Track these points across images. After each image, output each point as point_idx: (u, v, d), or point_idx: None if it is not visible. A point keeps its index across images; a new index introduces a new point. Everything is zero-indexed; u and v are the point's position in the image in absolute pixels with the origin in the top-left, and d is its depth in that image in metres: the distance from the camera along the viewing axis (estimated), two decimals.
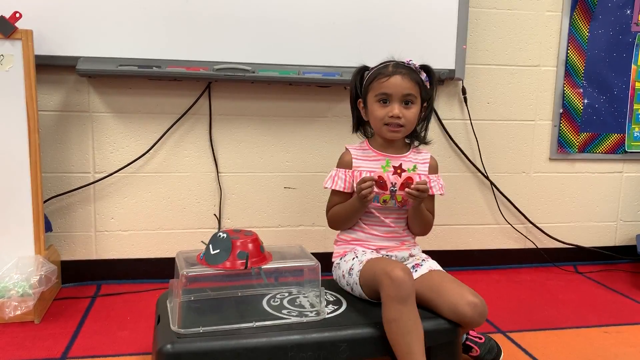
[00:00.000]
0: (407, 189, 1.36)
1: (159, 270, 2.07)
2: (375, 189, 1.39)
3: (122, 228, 2.06)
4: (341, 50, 2.00)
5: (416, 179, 1.39)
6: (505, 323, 1.77)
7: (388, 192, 1.39)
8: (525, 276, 2.27)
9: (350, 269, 1.42)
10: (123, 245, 2.07)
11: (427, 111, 1.51)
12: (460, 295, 1.29)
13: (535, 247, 2.37)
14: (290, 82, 2.02)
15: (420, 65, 1.47)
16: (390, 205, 1.43)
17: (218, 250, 1.30)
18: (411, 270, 1.41)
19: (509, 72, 2.25)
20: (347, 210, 1.47)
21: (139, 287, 2.02)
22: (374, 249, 1.47)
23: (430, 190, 1.47)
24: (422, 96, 1.46)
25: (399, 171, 1.38)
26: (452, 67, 2.11)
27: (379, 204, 1.44)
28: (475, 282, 2.15)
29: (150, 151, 2.03)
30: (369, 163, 1.49)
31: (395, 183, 1.38)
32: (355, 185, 1.44)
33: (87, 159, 2.01)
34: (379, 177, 1.38)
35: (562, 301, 2.00)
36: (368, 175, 1.43)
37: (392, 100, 1.42)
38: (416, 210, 1.44)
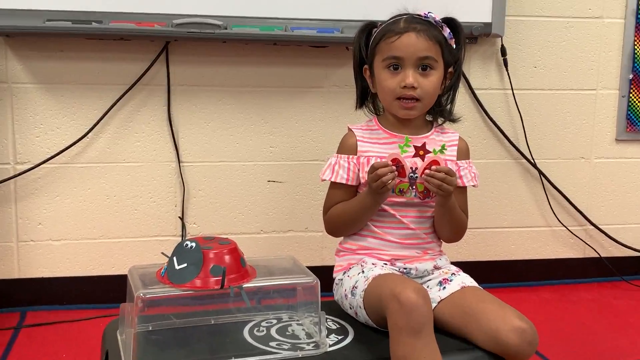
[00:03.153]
0: (426, 173, 1.37)
1: (105, 292, 2.08)
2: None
3: (54, 237, 2.07)
4: None
5: (445, 164, 1.40)
6: (559, 355, 1.79)
7: (406, 179, 1.39)
8: (585, 294, 2.29)
9: (354, 287, 1.43)
10: (55, 259, 2.08)
11: (454, 78, 1.51)
12: (503, 318, 1.30)
13: (597, 256, 2.40)
14: (274, 42, 2.03)
15: (443, 19, 1.48)
16: (409, 197, 1.44)
17: (185, 265, 1.30)
18: (438, 287, 1.43)
19: (563, 25, 2.27)
20: (354, 209, 1.48)
21: (78, 314, 2.02)
22: (388, 260, 1.48)
23: (459, 181, 1.49)
24: (446, 59, 1.46)
25: (421, 152, 1.39)
26: (488, 19, 2.12)
27: (393, 196, 1.44)
28: (520, 303, 2.17)
29: (90, 134, 2.03)
30: (379, 147, 1.49)
31: (416, 168, 1.39)
32: (363, 174, 1.45)
33: (4, 145, 2.01)
34: (394, 159, 1.38)
35: (634, 326, 2.03)
36: (379, 161, 1.44)
37: (405, 66, 1.43)
38: (445, 206, 1.45)
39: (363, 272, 1.44)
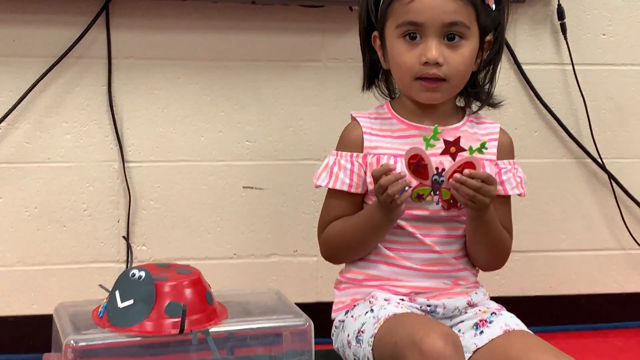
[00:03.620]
0: (456, 178, 1.36)
1: (23, 338, 2.08)
2: (409, 179, 1.39)
3: None
4: None
5: (482, 167, 1.41)
6: None
7: (428, 181, 1.40)
8: None
9: (360, 331, 1.44)
10: None
11: (493, 50, 1.53)
12: None
13: None
14: None
15: None
16: (429, 203, 1.44)
17: (131, 302, 1.31)
18: (473, 331, 1.44)
19: None
20: (358, 227, 1.48)
21: None
22: (406, 295, 1.49)
23: (500, 188, 1.49)
24: (482, 24, 1.47)
25: (452, 150, 1.38)
26: None
27: (411, 207, 1.44)
28: (583, 353, 2.18)
29: (2, 124, 2.04)
30: (393, 142, 1.50)
31: (443, 169, 1.39)
32: (371, 178, 1.45)
33: None
34: (414, 155, 1.37)
35: None
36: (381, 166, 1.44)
37: (426, 35, 1.44)
38: (481, 221, 1.46)
39: (372, 310, 1.44)
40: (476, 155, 1.37)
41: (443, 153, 1.37)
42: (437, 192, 1.40)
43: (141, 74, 2.10)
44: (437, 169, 1.38)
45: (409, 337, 1.28)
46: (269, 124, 2.17)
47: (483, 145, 1.37)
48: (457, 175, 1.36)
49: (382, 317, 1.40)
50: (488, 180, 1.37)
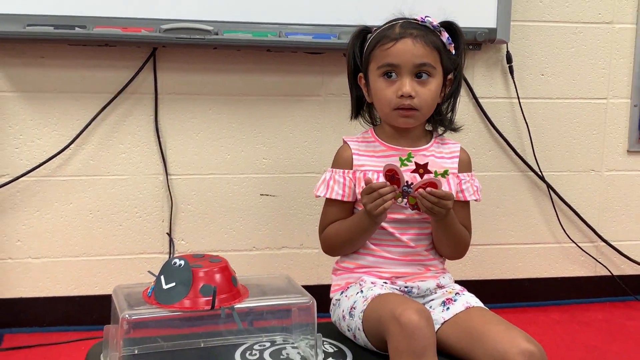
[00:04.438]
0: (418, 192, 1.36)
1: (88, 313, 2.08)
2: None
3: (33, 254, 2.07)
4: (340, 2, 2.03)
5: (443, 187, 1.40)
6: None
7: (400, 189, 1.39)
8: (597, 314, 2.30)
9: (352, 307, 1.43)
10: (34, 278, 2.08)
11: (454, 85, 1.52)
12: (510, 341, 1.30)
13: (609, 274, 2.40)
14: (268, 48, 2.04)
15: (441, 23, 1.48)
16: (403, 208, 1.44)
17: (173, 284, 1.31)
18: (441, 307, 1.43)
19: (572, 31, 2.28)
20: (350, 229, 1.48)
21: (59, 336, 2.02)
22: (388, 278, 1.49)
23: (461, 195, 1.50)
24: (445, 65, 1.47)
25: (421, 171, 1.38)
26: (493, 25, 2.14)
27: (391, 212, 1.44)
28: (528, 324, 2.18)
29: (72, 146, 2.04)
30: (376, 160, 1.50)
31: (412, 183, 1.39)
32: (359, 189, 1.45)
33: None
34: (390, 169, 1.37)
35: None
36: (377, 177, 1.44)
37: (401, 74, 1.44)
38: (442, 223, 1.45)
39: (362, 291, 1.44)
40: (439, 178, 1.37)
41: (413, 172, 1.38)
42: (406, 198, 1.40)
43: (181, 106, 2.10)
44: (407, 182, 1.38)
45: (390, 312, 1.27)
46: (281, 145, 2.17)
47: (446, 172, 1.37)
48: (420, 190, 1.36)
49: (370, 296, 1.40)
50: (445, 197, 1.36)
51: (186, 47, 2.01)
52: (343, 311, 1.47)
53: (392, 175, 1.38)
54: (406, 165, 1.38)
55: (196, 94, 2.10)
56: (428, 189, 1.36)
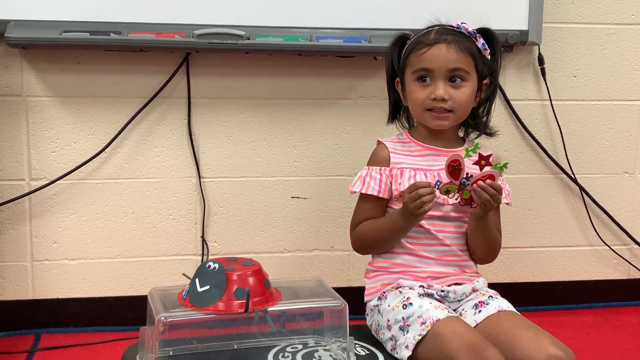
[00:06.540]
0: (479, 184, 1.38)
1: (123, 314, 2.11)
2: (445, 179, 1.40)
3: (69, 256, 2.10)
4: (370, 5, 2.03)
5: (499, 183, 1.41)
6: None
7: (458, 182, 1.41)
8: (630, 318, 2.28)
9: (406, 324, 1.40)
10: (71, 279, 2.11)
11: (489, 90, 1.54)
12: (538, 345, 1.30)
13: None
14: (299, 52, 2.05)
15: (478, 29, 1.50)
16: (450, 200, 1.45)
17: (207, 287, 1.32)
18: (473, 310, 1.44)
19: (604, 32, 2.27)
20: (384, 229, 1.49)
21: (95, 337, 2.04)
22: (423, 279, 1.48)
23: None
24: (480, 70, 1.49)
25: (482, 162, 1.40)
26: (525, 27, 2.13)
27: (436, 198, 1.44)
28: (560, 327, 2.17)
29: (107, 149, 2.07)
30: (413, 159, 1.51)
31: (471, 175, 1.40)
32: (396, 186, 1.47)
33: (19, 161, 2.05)
34: (454, 159, 1.39)
35: None
36: (414, 174, 1.45)
37: (435, 78, 1.46)
38: (481, 220, 1.46)
39: (411, 305, 1.40)
40: (498, 171, 1.40)
41: (475, 163, 1.40)
42: (460, 191, 1.41)
43: (213, 110, 2.12)
44: (467, 174, 1.40)
45: (467, 344, 1.28)
46: (311, 148, 2.18)
47: (505, 165, 1.39)
48: (481, 182, 1.39)
49: (427, 320, 1.37)
50: (500, 190, 1.40)
51: (219, 52, 2.02)
52: (388, 321, 1.44)
53: (455, 166, 1.40)
54: (470, 155, 1.40)
55: (228, 98, 2.12)
56: (488, 180, 1.39)
